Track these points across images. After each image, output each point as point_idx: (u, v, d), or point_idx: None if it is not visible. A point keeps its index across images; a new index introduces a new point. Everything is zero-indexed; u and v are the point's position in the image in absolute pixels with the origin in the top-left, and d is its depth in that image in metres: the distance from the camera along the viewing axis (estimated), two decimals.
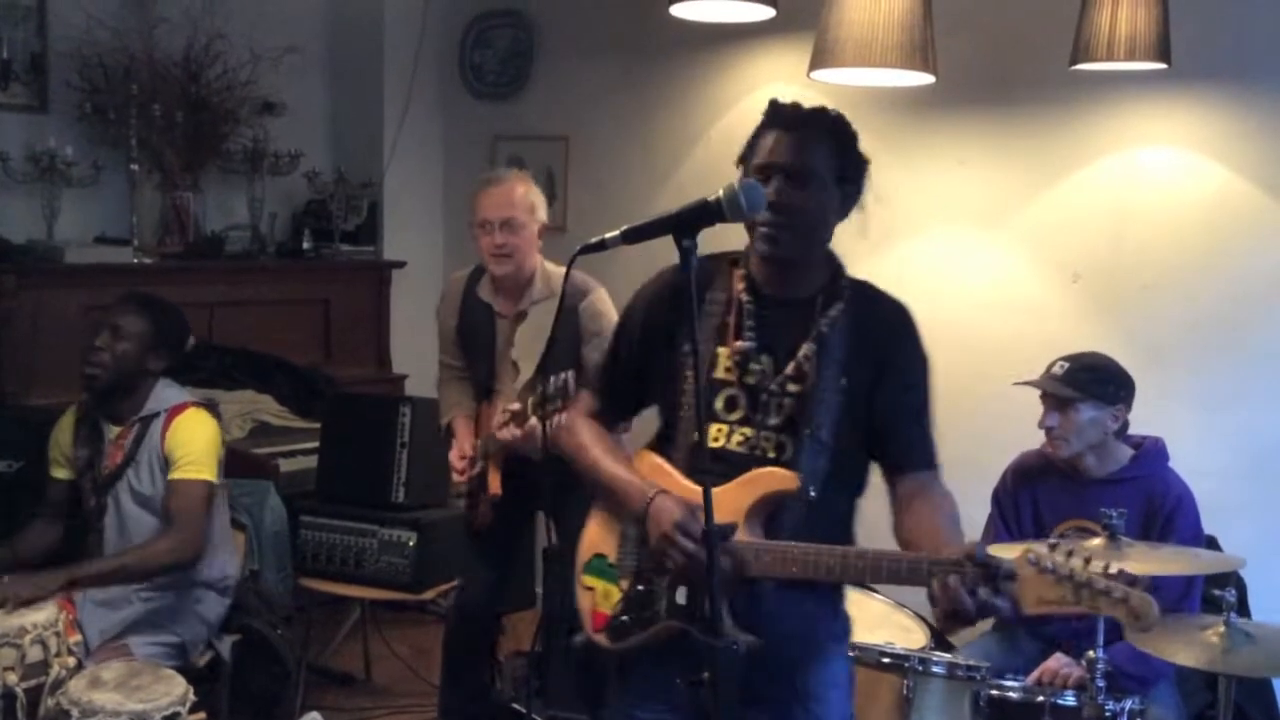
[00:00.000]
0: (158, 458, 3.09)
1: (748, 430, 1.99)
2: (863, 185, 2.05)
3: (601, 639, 2.07)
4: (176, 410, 3.13)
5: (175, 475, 3.07)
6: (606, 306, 3.22)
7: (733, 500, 1.91)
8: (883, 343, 2.01)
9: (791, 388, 1.98)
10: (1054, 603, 1.57)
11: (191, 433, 3.11)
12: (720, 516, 1.75)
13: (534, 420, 3.01)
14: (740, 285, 2.05)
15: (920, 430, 2.02)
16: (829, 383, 1.96)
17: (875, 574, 1.85)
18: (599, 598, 2.08)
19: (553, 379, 2.84)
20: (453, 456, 3.30)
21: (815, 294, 2.02)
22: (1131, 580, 1.54)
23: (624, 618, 2.03)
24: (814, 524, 1.94)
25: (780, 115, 2.03)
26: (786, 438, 1.97)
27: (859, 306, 2.02)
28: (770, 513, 1.94)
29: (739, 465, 1.97)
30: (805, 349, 1.98)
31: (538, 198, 3.28)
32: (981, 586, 1.66)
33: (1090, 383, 2.93)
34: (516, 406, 3.06)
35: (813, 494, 1.93)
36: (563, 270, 3.23)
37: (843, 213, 2.04)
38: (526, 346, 3.25)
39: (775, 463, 1.97)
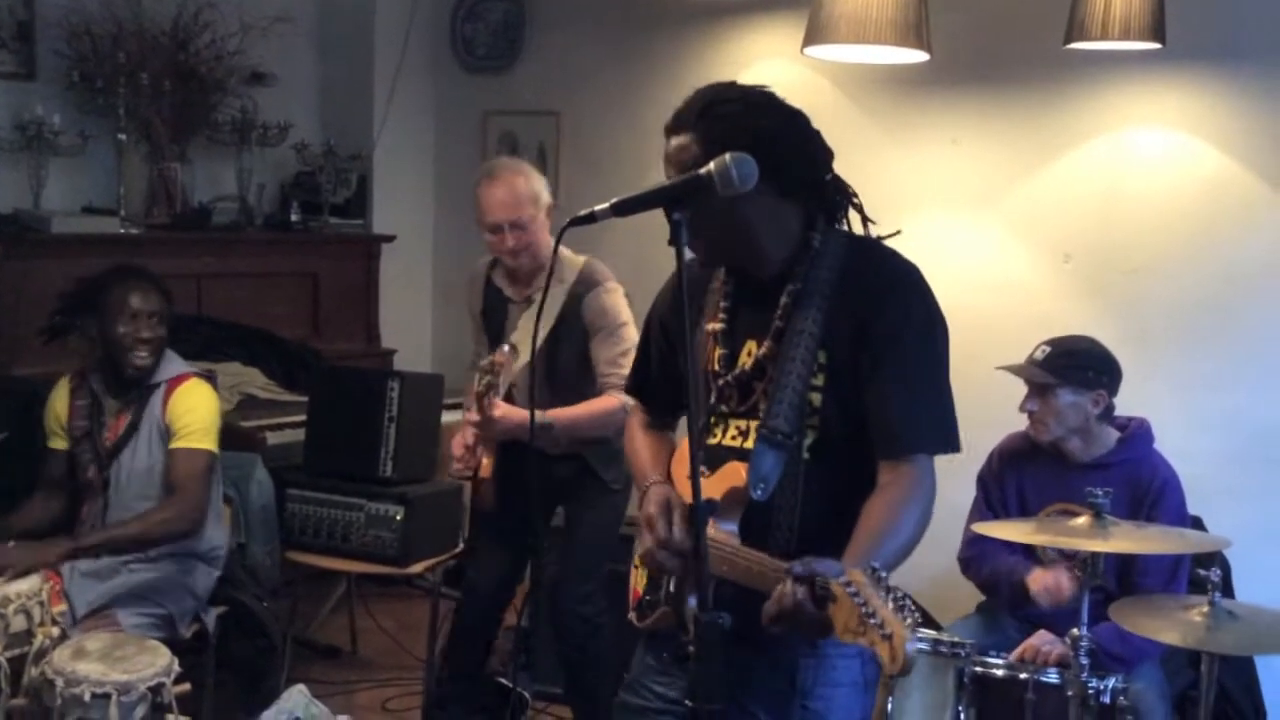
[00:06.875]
0: (158, 428, 3.11)
1: (741, 423, 1.90)
2: (785, 159, 1.78)
3: (633, 616, 2.08)
4: (177, 381, 3.15)
5: (177, 445, 3.09)
6: (613, 300, 3.13)
7: (708, 494, 1.83)
8: (864, 304, 1.80)
9: (771, 372, 1.86)
10: (854, 633, 1.46)
11: (192, 403, 3.12)
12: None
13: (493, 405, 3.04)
14: (723, 269, 1.96)
15: (903, 410, 1.78)
16: (795, 367, 1.81)
17: (763, 580, 1.69)
18: (639, 576, 2.09)
19: (487, 357, 2.87)
20: (455, 443, 3.30)
21: (784, 269, 1.86)
22: (918, 623, 1.43)
23: (646, 598, 2.05)
24: (806, 519, 1.83)
25: (666, 128, 1.87)
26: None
27: (847, 266, 1.84)
28: (741, 510, 1.85)
29: (730, 459, 1.88)
30: (768, 341, 1.85)
31: (538, 183, 3.15)
32: (807, 601, 1.56)
33: (1068, 368, 2.94)
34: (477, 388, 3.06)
35: (758, 496, 1.80)
36: (576, 257, 3.23)
37: (776, 194, 1.81)
38: (526, 331, 3.21)
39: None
